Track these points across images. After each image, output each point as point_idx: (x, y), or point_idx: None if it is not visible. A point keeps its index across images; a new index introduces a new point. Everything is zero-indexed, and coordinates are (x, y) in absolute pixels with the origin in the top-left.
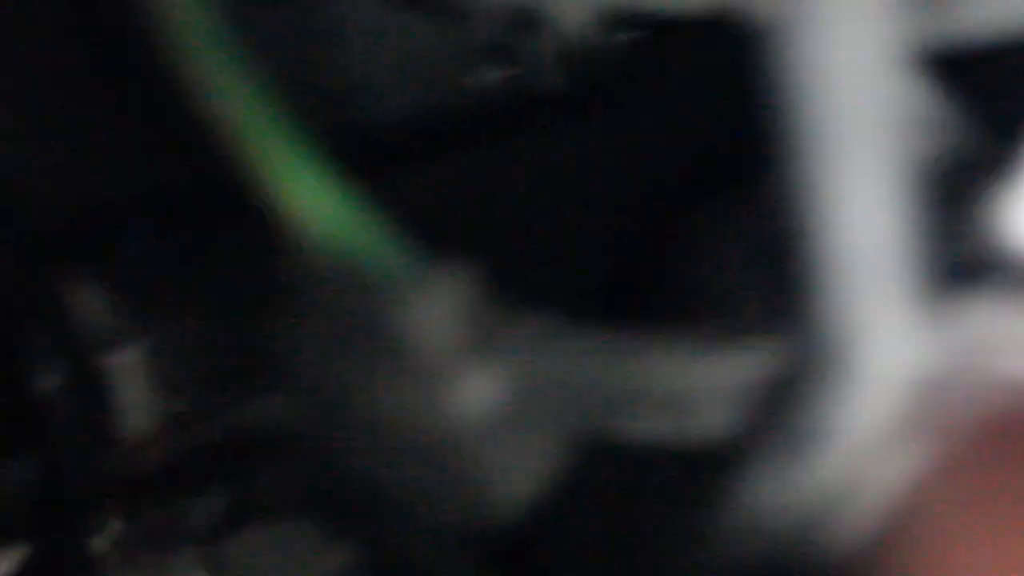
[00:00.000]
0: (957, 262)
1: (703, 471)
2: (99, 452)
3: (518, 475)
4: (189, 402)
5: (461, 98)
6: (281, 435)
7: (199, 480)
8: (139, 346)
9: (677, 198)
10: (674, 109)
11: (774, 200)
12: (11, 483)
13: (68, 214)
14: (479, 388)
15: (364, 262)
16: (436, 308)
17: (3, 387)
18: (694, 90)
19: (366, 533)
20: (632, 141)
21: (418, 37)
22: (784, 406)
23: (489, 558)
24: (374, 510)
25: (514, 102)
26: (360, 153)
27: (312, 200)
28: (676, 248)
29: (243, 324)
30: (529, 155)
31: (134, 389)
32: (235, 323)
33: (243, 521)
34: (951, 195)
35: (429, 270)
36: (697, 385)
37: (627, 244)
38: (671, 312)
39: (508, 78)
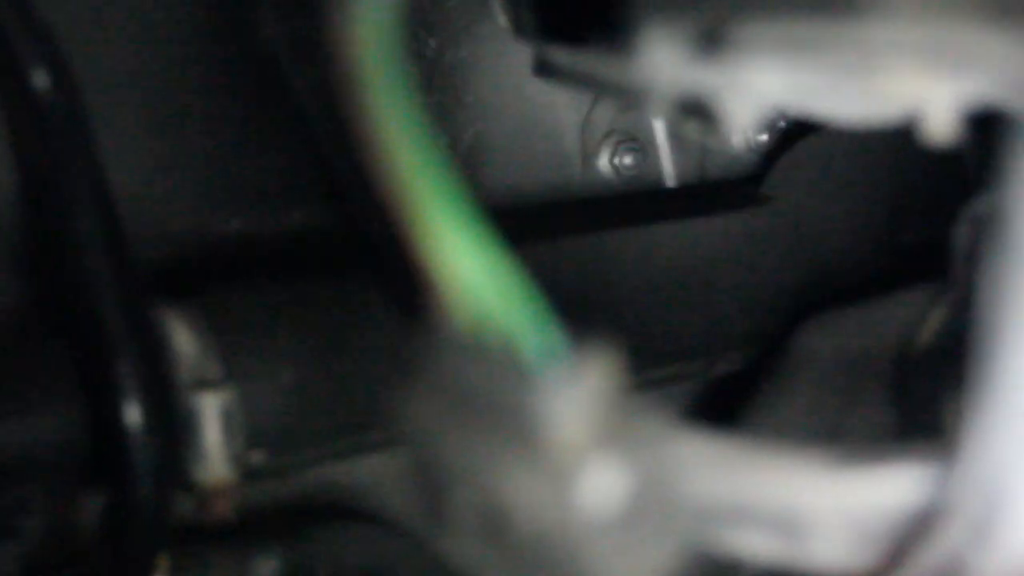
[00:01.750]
0: None
1: None
2: (172, 495)
3: None
4: (269, 456)
5: (592, 178)
6: (352, 503)
7: (262, 537)
8: (227, 392)
9: (804, 299)
10: (812, 212)
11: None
12: (88, 515)
13: (177, 249)
14: (603, 485)
15: (511, 336)
16: (578, 397)
17: (88, 419)
18: (834, 195)
19: None
20: (771, 238)
21: (556, 114)
22: (917, 542)
23: None
24: None
25: (649, 188)
26: (499, 223)
27: (467, 264)
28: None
29: (342, 383)
30: (662, 243)
31: (216, 435)
32: (337, 381)
33: None
34: None
35: (572, 355)
36: (815, 508)
37: (752, 341)
38: (788, 423)
39: (637, 164)
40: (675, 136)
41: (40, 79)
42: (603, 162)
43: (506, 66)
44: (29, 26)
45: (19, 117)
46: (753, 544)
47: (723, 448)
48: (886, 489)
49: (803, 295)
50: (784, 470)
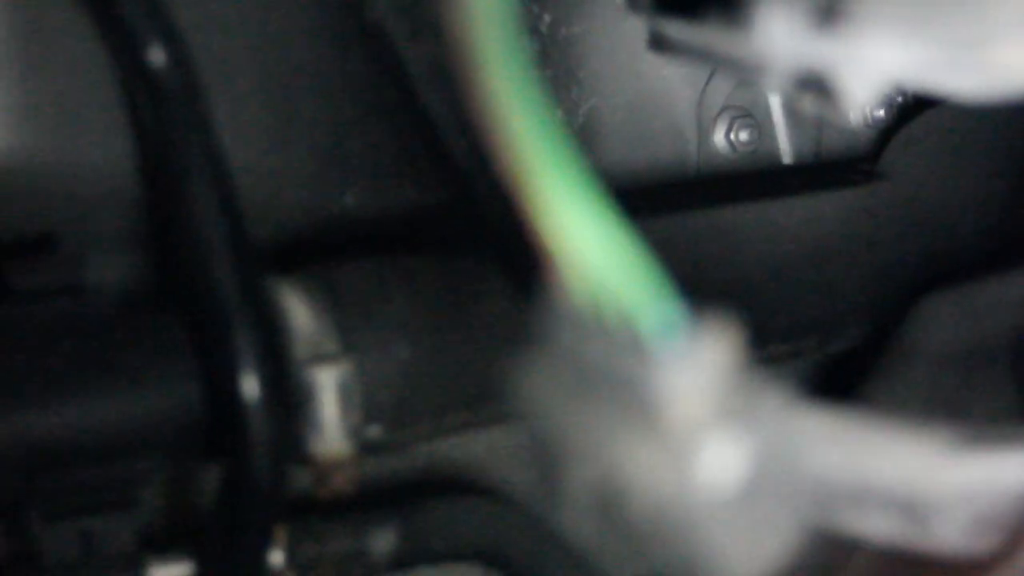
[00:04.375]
0: None
1: None
2: (289, 468)
3: (744, 557)
4: (385, 430)
5: (708, 154)
6: (467, 478)
7: (379, 510)
8: (344, 366)
9: (921, 277)
10: (930, 188)
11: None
12: (206, 488)
13: (292, 223)
14: (722, 461)
15: (630, 312)
16: (698, 373)
17: (205, 393)
18: (953, 171)
19: None
20: (887, 215)
21: (670, 89)
22: None
23: None
24: (571, 568)
25: (765, 164)
26: (615, 199)
27: (586, 239)
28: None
29: (458, 357)
30: (779, 219)
31: (333, 409)
32: (452, 356)
33: (414, 559)
34: None
35: (691, 331)
36: (938, 490)
37: (871, 319)
38: (906, 401)
39: (753, 140)
40: (791, 112)
41: (156, 55)
42: (719, 138)
43: (621, 41)
44: (145, 3)
45: (136, 93)
46: (872, 524)
47: (844, 427)
48: (1008, 472)
49: (920, 273)
50: (907, 450)
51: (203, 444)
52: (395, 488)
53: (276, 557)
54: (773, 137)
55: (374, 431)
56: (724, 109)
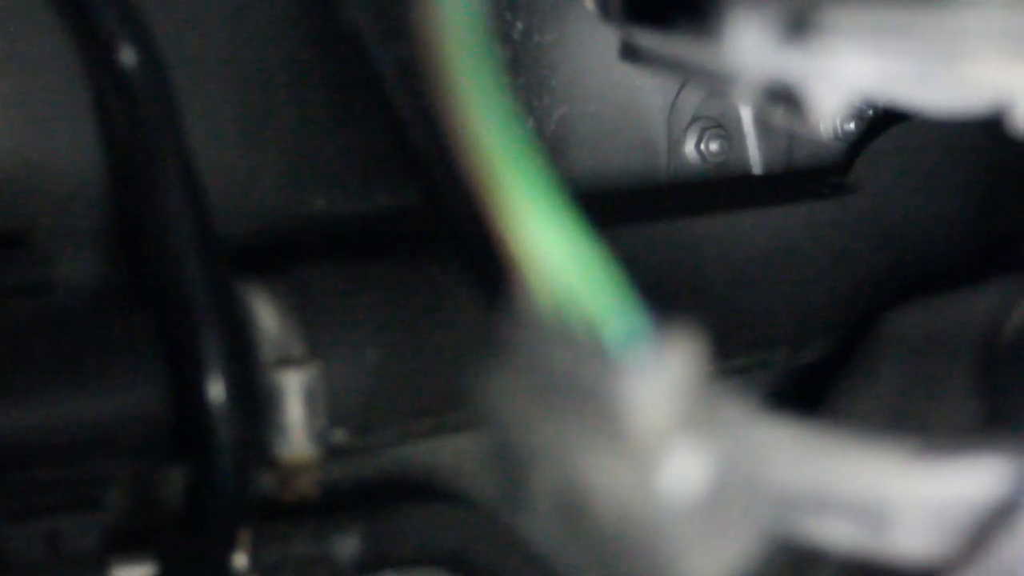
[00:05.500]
0: None
1: None
2: (254, 471)
3: (706, 565)
4: (351, 435)
5: (678, 163)
6: (432, 483)
7: (343, 515)
8: (311, 369)
9: (888, 289)
10: (899, 201)
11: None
12: (170, 489)
13: (261, 226)
14: (685, 470)
15: (595, 320)
16: (662, 382)
17: (172, 394)
18: (922, 185)
19: None
20: (857, 227)
21: (641, 99)
22: (996, 534)
23: None
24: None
25: (735, 175)
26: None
27: (552, 247)
28: (879, 343)
29: (425, 363)
30: (747, 230)
31: (299, 412)
32: (419, 361)
33: (379, 564)
34: None
35: (656, 341)
36: (899, 498)
37: (835, 330)
38: (872, 412)
39: (723, 150)
40: (762, 123)
41: (127, 56)
42: (689, 148)
43: (592, 50)
44: (116, 3)
45: (107, 92)
46: (834, 532)
47: (807, 436)
48: (970, 481)
49: (889, 284)
50: (869, 460)
51: (169, 445)
52: (360, 493)
53: (240, 560)
54: (743, 148)
55: (340, 435)
56: (695, 119)
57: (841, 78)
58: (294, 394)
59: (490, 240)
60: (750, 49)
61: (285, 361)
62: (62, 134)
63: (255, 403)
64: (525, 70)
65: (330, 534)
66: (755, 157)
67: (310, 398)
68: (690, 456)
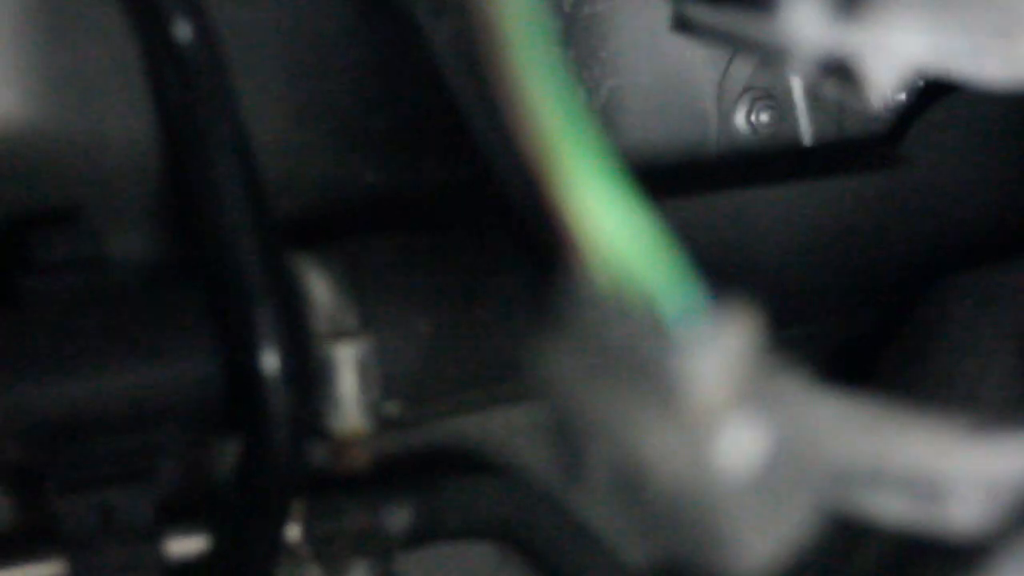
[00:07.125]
0: None
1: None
2: (307, 443)
3: (761, 539)
4: (403, 407)
5: (729, 135)
6: (484, 455)
7: (395, 487)
8: (363, 342)
9: (939, 261)
10: (950, 172)
11: None
12: (224, 461)
13: (314, 199)
14: (741, 444)
15: (652, 294)
16: (718, 356)
17: (226, 366)
18: (973, 156)
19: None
20: (907, 199)
21: (692, 70)
22: None
23: None
24: (586, 548)
25: (786, 146)
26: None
27: (608, 220)
28: (930, 314)
29: (478, 335)
30: (798, 201)
31: (351, 385)
32: (471, 333)
33: (430, 536)
34: None
35: (711, 313)
36: (953, 472)
37: (889, 302)
38: (923, 384)
39: (774, 121)
40: (813, 94)
41: (181, 30)
42: (740, 119)
43: (643, 21)
44: None
45: (161, 67)
46: (888, 506)
47: (862, 410)
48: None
49: (938, 256)
50: (923, 434)
51: (222, 417)
52: (412, 465)
53: (292, 532)
54: (794, 119)
55: (392, 407)
56: (745, 90)
57: (896, 52)
58: (347, 366)
59: (546, 213)
60: (805, 23)
61: (338, 334)
62: (116, 109)
63: (308, 375)
64: (575, 42)
65: (382, 506)
66: (805, 128)
67: (363, 370)
68: (746, 430)
